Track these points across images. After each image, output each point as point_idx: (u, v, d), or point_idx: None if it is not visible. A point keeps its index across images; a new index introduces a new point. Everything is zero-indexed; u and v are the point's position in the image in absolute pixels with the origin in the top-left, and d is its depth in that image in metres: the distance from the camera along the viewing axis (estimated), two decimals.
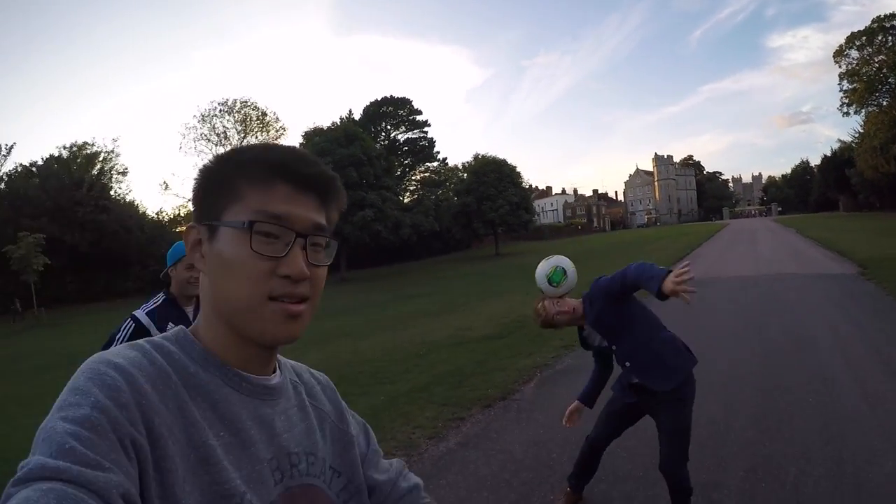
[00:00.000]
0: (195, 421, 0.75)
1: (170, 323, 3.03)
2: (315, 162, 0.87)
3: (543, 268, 3.43)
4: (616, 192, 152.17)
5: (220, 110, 49.39)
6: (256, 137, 49.97)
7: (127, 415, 0.66)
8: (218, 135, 49.16)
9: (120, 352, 0.75)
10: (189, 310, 3.29)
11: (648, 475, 4.05)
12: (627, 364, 3.34)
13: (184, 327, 0.88)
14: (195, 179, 0.88)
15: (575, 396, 3.88)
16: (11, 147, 42.29)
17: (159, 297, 3.30)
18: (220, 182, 0.84)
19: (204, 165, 0.87)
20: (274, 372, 0.93)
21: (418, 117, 57.88)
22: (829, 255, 20.39)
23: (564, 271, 3.40)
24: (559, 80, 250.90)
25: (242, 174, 0.83)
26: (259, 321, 0.82)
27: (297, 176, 0.84)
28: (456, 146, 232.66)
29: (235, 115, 49.69)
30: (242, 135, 49.60)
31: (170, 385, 0.75)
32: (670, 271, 2.78)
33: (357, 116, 53.86)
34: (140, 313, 3.18)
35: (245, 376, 0.85)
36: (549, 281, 3.38)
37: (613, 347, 3.39)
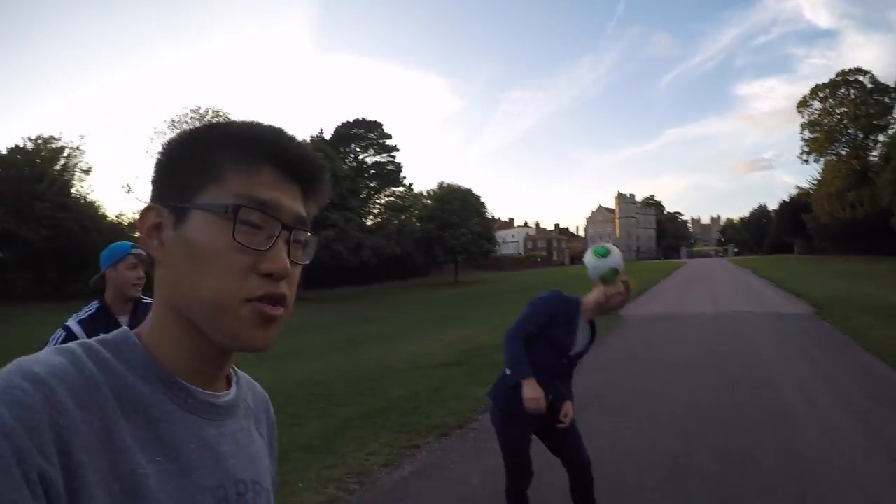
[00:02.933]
0: (124, 446, 0.61)
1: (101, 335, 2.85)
2: (305, 146, 0.74)
3: (606, 262, 3.24)
4: (577, 227, 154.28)
5: (192, 118, 48.55)
6: None
7: (37, 440, 0.53)
8: None
9: (45, 357, 0.60)
10: (124, 319, 2.98)
11: None
12: (551, 377, 3.33)
13: (127, 329, 0.72)
14: (160, 153, 0.73)
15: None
16: None
17: (93, 306, 3.00)
18: (196, 157, 0.70)
19: (173, 137, 0.73)
20: (228, 387, 0.79)
21: (388, 141, 57.73)
22: (785, 296, 20.87)
23: (617, 273, 3.24)
24: (530, 115, 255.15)
25: (226, 151, 0.69)
26: (231, 323, 0.68)
27: (288, 160, 0.71)
28: (424, 172, 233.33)
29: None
30: None
31: (97, 399, 0.61)
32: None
33: (328, 136, 53.55)
34: (73, 323, 2.89)
35: (191, 390, 0.71)
36: (603, 277, 3.23)
37: (571, 353, 3.35)
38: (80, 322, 2.86)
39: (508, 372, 3.20)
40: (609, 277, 3.21)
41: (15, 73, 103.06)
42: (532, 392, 3.06)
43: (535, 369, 3.17)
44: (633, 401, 7.22)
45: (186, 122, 48.22)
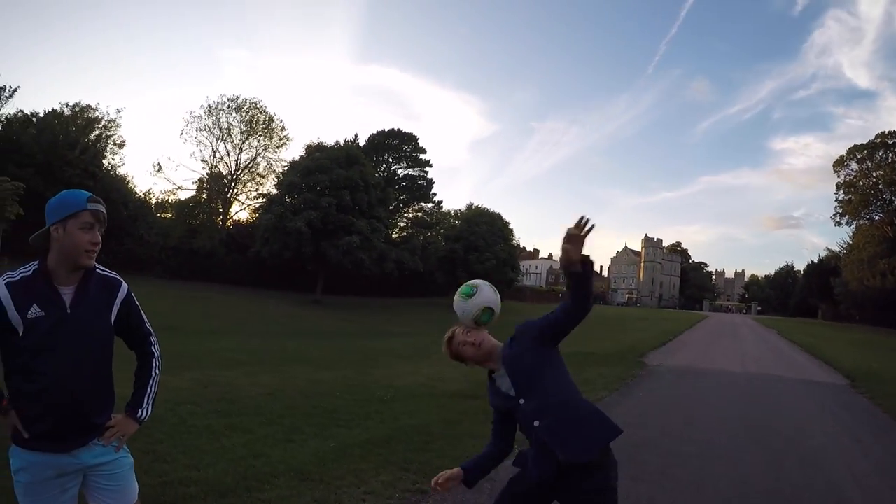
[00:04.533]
0: None
1: (34, 305, 2.26)
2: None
3: (475, 301, 2.80)
4: (601, 267, 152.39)
5: (229, 106, 48.65)
6: (259, 141, 49.23)
7: None
8: (221, 130, 48.26)
9: None
10: (68, 290, 2.34)
11: None
12: (536, 423, 2.59)
13: None
14: None
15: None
16: (15, 90, 39.55)
17: (30, 267, 2.37)
18: None
19: None
20: None
21: (422, 156, 57.42)
22: (814, 362, 20.06)
23: (493, 313, 2.83)
24: (563, 148, 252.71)
25: None
26: None
27: None
28: (450, 192, 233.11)
29: (243, 114, 48.84)
30: (246, 135, 48.73)
31: None
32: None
33: (362, 142, 53.31)
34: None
35: None
36: (476, 320, 2.80)
37: (521, 401, 2.66)
38: (9, 284, 2.28)
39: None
40: (485, 320, 2.80)
41: (61, 37, 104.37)
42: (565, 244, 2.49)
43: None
44: (670, 466, 6.42)
45: (223, 110, 48.36)
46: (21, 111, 40.24)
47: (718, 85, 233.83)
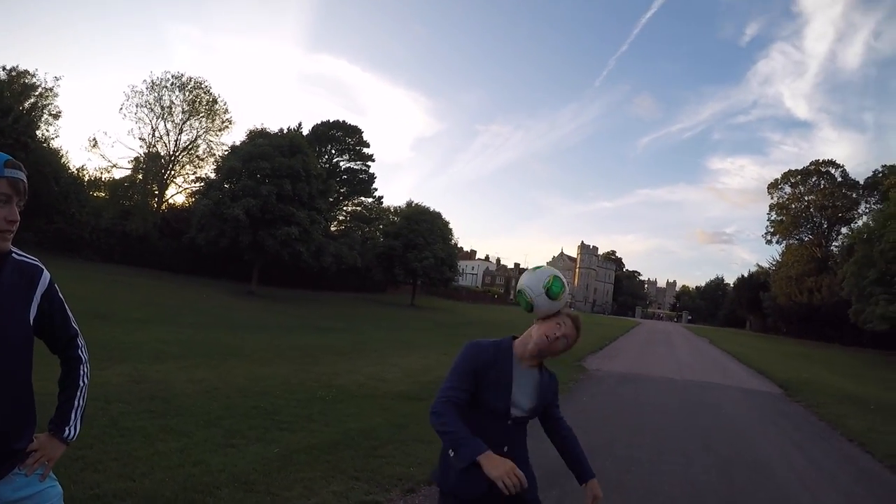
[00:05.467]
0: None
1: None
2: None
3: (538, 276, 2.62)
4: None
5: (172, 84, 46.74)
6: (201, 122, 47.54)
7: None
8: (163, 107, 46.24)
9: None
10: None
11: None
12: (505, 449, 2.44)
13: None
14: None
15: None
16: None
17: None
18: None
19: None
20: None
21: (365, 150, 56.71)
22: (749, 371, 20.69)
23: (563, 283, 2.62)
24: (507, 151, 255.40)
25: None
26: None
27: None
28: (391, 188, 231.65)
29: (186, 93, 46.93)
30: (187, 115, 46.94)
31: None
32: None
33: (305, 132, 52.26)
34: None
35: None
36: (548, 292, 2.57)
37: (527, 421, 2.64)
38: None
39: (452, 454, 2.25)
40: (556, 289, 2.58)
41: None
42: (498, 466, 2.11)
43: None
44: (622, 473, 6.37)
45: (166, 87, 46.64)
46: None
47: (663, 103, 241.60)
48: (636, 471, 6.51)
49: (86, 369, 2.19)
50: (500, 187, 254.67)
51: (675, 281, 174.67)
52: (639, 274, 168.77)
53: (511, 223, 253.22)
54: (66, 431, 2.07)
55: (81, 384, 2.15)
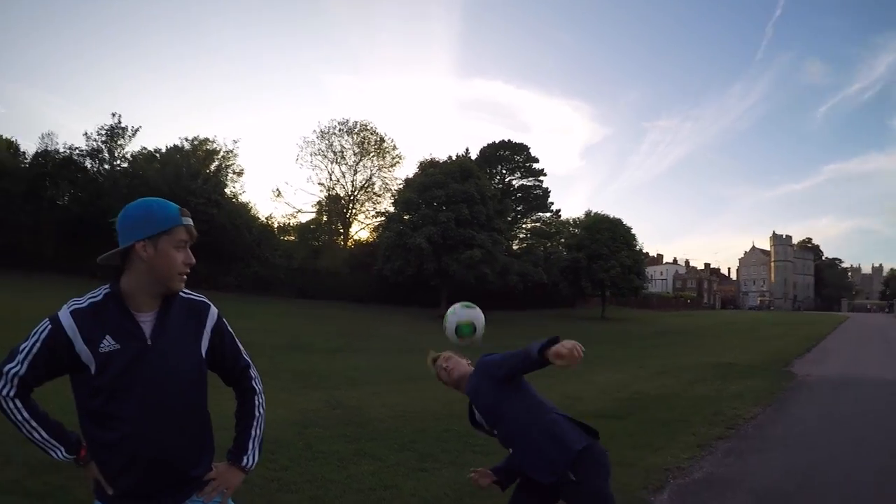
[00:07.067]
0: None
1: (107, 337, 1.90)
2: None
3: (458, 314, 3.23)
4: (728, 269, 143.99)
5: (340, 129, 50.08)
6: (372, 161, 50.28)
7: None
8: (335, 153, 49.78)
9: None
10: (146, 318, 1.97)
11: None
12: (510, 451, 3.00)
13: None
14: None
15: None
16: (137, 130, 43.27)
17: (99, 292, 1.98)
18: None
19: None
20: None
21: (535, 165, 56.44)
22: None
23: (474, 328, 3.21)
24: (678, 146, 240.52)
25: None
26: None
27: None
28: (566, 201, 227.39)
29: (354, 136, 50.17)
30: (359, 156, 49.96)
31: None
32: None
33: (473, 156, 53.19)
34: (64, 314, 1.91)
35: None
36: (457, 330, 3.21)
37: (494, 432, 3.03)
38: (75, 312, 1.91)
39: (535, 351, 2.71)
40: (466, 332, 3.22)
41: (179, 78, 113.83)
42: (564, 344, 2.61)
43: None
44: (850, 497, 5.36)
45: (335, 134, 49.75)
46: (145, 148, 43.46)
47: (833, 64, 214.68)
48: (866, 494, 5.46)
49: (260, 399, 2.29)
50: (677, 184, 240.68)
51: (881, 265, 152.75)
52: (840, 261, 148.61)
53: (693, 221, 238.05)
54: (245, 460, 2.18)
55: (257, 414, 2.26)
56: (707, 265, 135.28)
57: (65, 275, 36.32)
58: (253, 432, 2.23)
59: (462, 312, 3.21)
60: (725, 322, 44.91)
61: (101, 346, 1.88)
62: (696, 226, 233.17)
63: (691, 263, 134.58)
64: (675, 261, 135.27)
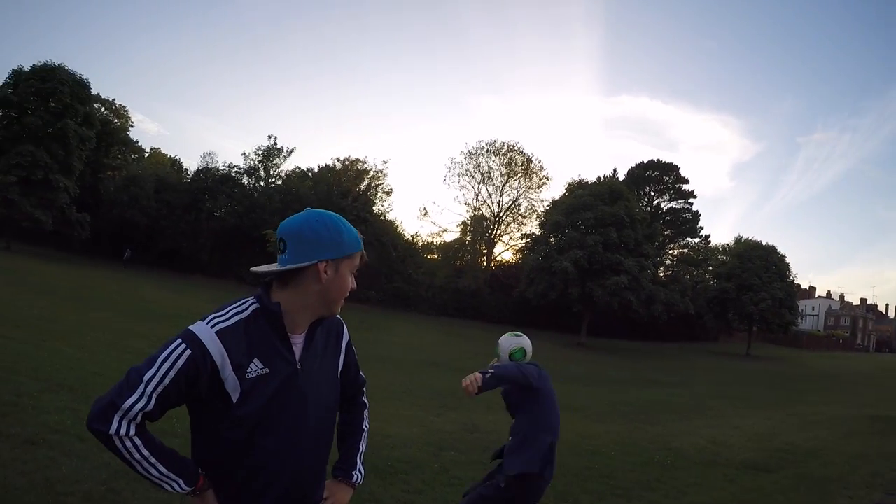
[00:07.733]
0: None
1: (255, 360, 1.70)
2: None
3: (511, 341, 4.05)
4: (886, 306, 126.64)
5: (487, 150, 50.67)
6: (519, 182, 50.48)
7: None
8: (482, 174, 50.44)
9: None
10: (297, 340, 1.80)
11: None
12: (510, 437, 3.91)
13: None
14: None
15: None
16: (292, 150, 47.84)
17: (246, 306, 1.77)
18: None
19: None
20: None
21: (685, 186, 54.10)
22: None
23: (525, 352, 4.02)
24: (834, 163, 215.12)
25: None
26: None
27: None
28: (714, 225, 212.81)
29: (501, 156, 50.58)
30: (506, 177, 50.33)
31: None
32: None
33: (621, 177, 51.99)
34: (208, 334, 1.67)
35: None
36: (511, 355, 3.99)
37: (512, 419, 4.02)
38: (222, 333, 1.68)
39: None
40: (518, 356, 4.01)
41: (333, 103, 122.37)
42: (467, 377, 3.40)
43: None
44: None
45: (482, 154, 50.49)
46: (298, 167, 47.49)
47: None
48: None
49: (367, 414, 2.26)
50: (834, 206, 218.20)
51: None
52: None
53: (850, 249, 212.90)
54: (354, 476, 2.13)
55: (364, 428, 2.24)
56: (863, 300, 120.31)
57: (214, 278, 39.73)
58: (360, 447, 2.16)
59: (513, 341, 4.02)
60: (882, 367, 40.43)
61: (249, 370, 1.70)
62: (851, 254, 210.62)
63: (846, 298, 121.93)
64: (828, 294, 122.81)
